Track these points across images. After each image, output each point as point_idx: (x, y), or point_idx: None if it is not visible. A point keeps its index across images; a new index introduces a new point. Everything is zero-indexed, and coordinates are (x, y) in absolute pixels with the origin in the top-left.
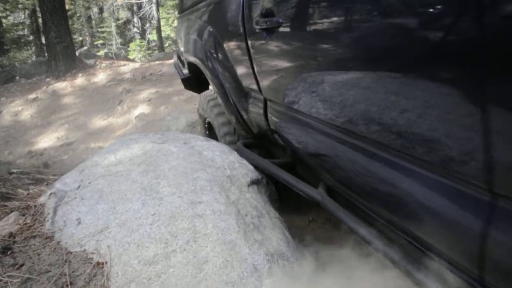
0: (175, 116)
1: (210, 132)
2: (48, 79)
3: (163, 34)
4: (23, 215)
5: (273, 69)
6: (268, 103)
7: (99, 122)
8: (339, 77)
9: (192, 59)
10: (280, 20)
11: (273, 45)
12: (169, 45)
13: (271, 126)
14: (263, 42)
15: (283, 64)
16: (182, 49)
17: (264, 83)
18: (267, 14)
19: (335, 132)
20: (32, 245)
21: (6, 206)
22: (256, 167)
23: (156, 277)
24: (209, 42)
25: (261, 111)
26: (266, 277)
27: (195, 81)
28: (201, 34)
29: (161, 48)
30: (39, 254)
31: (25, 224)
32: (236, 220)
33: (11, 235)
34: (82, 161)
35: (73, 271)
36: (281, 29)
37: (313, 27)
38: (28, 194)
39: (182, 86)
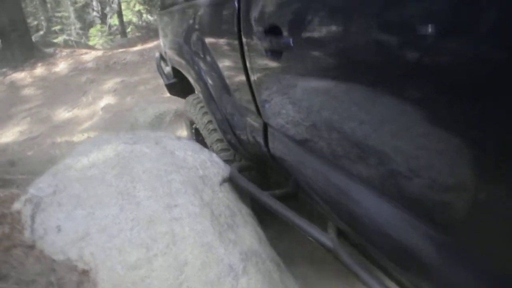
0: (142, 107)
1: (198, 136)
2: (4, 70)
3: (124, 19)
4: (0, 224)
5: (279, 93)
6: (270, 128)
7: (63, 114)
8: (374, 113)
9: (178, 66)
10: (291, 42)
11: (278, 68)
12: (131, 30)
13: (272, 152)
14: (265, 62)
15: (293, 90)
16: (165, 49)
17: (265, 107)
18: (272, 30)
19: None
20: (14, 254)
21: None
22: (254, 200)
23: (140, 281)
24: (200, 54)
25: (260, 135)
26: (241, 275)
27: (180, 86)
28: (188, 40)
29: (123, 33)
30: (23, 264)
31: (4, 233)
32: (210, 222)
33: None
34: (50, 158)
35: (59, 279)
36: (291, 52)
37: (333, 51)
38: None
39: (148, 75)
